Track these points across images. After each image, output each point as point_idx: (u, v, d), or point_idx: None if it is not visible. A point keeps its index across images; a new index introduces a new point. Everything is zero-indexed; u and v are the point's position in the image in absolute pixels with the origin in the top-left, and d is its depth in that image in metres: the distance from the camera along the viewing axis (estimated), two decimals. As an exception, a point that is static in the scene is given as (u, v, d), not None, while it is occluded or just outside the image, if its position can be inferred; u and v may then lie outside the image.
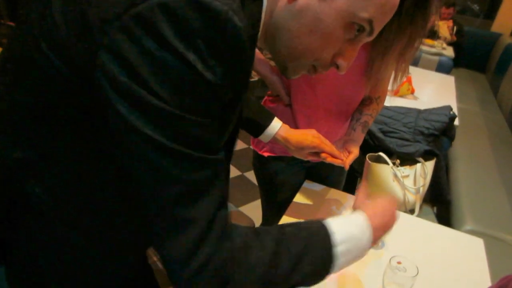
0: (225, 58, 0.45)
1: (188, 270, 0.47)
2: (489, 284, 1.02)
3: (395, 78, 0.98)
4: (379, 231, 0.60)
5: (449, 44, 4.16)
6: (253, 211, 2.35)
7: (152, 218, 0.49)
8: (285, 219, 1.13)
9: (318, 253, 0.51)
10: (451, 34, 4.20)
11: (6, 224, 0.60)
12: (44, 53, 0.48)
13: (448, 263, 1.07)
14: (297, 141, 0.98)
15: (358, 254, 0.56)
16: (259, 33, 0.58)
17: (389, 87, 1.08)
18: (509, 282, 0.67)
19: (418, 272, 0.82)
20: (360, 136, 1.04)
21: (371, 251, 1.07)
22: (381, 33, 0.93)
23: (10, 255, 0.62)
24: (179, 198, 0.47)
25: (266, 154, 1.22)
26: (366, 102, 1.11)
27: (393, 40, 0.90)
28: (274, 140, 1.01)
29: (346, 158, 0.97)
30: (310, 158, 1.01)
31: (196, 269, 0.47)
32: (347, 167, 0.97)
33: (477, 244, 1.17)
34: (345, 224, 0.56)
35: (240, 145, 3.09)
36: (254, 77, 3.55)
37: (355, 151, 1.00)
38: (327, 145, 0.97)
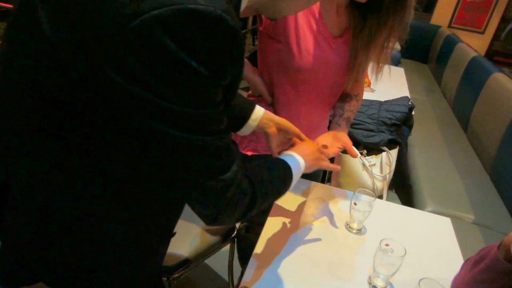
0: (225, 57, 0.49)
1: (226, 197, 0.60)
2: (461, 257, 1.13)
3: (378, 68, 1.06)
4: (309, 162, 0.90)
5: None
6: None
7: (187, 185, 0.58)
8: (270, 219, 1.18)
9: (287, 176, 0.81)
10: None
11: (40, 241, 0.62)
12: (42, 74, 0.50)
13: (422, 241, 1.17)
14: (283, 121, 0.97)
15: (298, 175, 0.87)
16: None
17: (373, 77, 1.16)
18: (488, 251, 0.76)
19: (406, 252, 0.90)
20: (345, 130, 1.11)
21: (356, 237, 1.16)
22: (362, 28, 1.01)
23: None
24: (210, 168, 0.57)
25: (249, 153, 1.26)
26: (347, 99, 1.18)
27: (375, 34, 0.98)
28: (259, 127, 0.97)
29: (350, 149, 1.04)
30: (280, 149, 0.98)
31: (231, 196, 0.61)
32: (357, 154, 1.05)
33: (445, 223, 1.29)
34: (293, 162, 0.85)
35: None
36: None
37: (348, 141, 1.06)
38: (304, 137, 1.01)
